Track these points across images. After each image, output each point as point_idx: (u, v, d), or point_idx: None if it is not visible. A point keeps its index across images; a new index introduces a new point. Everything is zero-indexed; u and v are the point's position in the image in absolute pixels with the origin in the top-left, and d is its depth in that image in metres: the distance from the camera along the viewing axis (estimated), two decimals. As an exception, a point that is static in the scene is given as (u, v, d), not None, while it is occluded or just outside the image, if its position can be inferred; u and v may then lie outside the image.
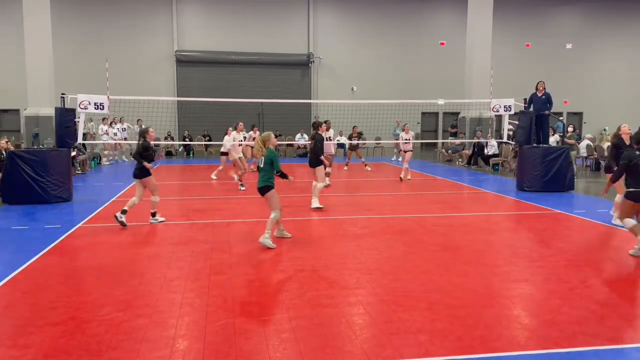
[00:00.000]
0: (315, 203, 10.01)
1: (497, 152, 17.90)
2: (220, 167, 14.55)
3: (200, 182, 14.55)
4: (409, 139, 14.93)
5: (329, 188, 12.37)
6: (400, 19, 28.42)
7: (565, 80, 28.89)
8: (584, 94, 30.16)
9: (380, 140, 24.28)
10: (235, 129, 13.79)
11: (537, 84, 13.29)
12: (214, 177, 14.61)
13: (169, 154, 23.96)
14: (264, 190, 7.17)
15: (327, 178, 10.62)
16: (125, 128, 21.01)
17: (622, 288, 5.54)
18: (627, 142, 7.96)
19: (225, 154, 13.71)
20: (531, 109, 13.11)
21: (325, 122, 12.02)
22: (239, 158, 13.07)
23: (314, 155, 10.03)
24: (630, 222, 6.65)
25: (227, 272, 6.08)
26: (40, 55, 20.45)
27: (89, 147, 18.30)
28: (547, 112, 13.07)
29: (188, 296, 5.26)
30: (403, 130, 15.54)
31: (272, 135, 7.49)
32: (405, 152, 14.80)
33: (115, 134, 20.23)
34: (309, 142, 11.00)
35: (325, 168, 10.88)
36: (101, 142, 19.34)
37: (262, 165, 7.23)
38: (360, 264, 6.50)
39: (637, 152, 6.70)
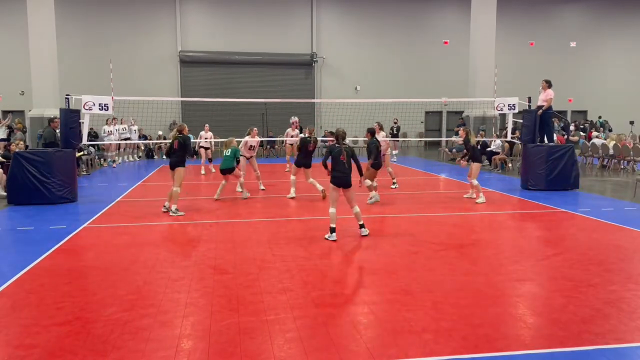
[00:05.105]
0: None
1: (500, 149, 17.83)
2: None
3: (205, 183, 14.58)
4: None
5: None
6: (403, 18, 28.38)
7: (570, 78, 28.77)
8: (589, 92, 30.04)
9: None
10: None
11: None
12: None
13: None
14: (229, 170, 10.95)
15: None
16: (125, 128, 20.76)
17: (627, 287, 5.51)
18: None
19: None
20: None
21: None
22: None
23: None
24: None
25: (232, 271, 6.09)
26: (45, 57, 20.56)
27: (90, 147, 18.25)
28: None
29: (193, 296, 5.27)
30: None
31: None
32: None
33: (110, 132, 19.81)
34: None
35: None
36: (104, 142, 19.28)
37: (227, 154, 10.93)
38: (364, 263, 6.50)
39: None
